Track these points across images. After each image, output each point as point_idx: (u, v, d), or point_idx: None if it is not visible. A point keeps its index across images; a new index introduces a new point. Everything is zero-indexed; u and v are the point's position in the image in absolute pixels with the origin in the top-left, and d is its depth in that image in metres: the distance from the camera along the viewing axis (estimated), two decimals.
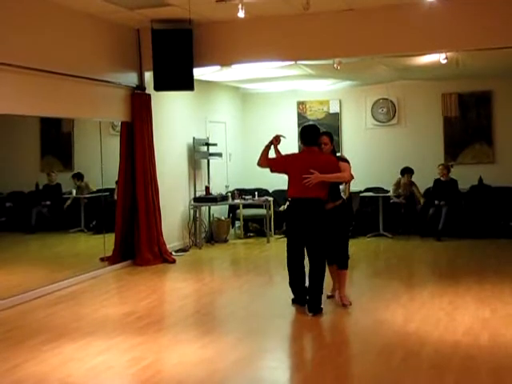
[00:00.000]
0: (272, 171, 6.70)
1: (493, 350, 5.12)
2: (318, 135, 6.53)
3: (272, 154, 6.81)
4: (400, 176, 11.80)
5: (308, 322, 6.06)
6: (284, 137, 6.78)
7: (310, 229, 6.27)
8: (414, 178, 11.99)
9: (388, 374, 4.72)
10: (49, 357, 5.23)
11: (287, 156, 6.62)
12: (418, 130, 12.47)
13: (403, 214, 11.69)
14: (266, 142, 6.71)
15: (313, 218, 6.27)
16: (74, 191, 10.15)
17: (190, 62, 9.08)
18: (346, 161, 6.63)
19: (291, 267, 6.48)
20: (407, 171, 11.84)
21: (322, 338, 5.66)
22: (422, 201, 11.66)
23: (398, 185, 11.90)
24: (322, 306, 6.30)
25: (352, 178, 6.65)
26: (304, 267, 6.47)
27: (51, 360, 5.15)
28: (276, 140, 6.68)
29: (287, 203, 6.64)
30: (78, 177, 10.00)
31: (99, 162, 9.73)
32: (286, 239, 6.58)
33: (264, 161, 6.61)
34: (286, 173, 6.48)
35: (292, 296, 6.62)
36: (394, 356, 5.05)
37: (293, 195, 6.37)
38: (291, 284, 6.55)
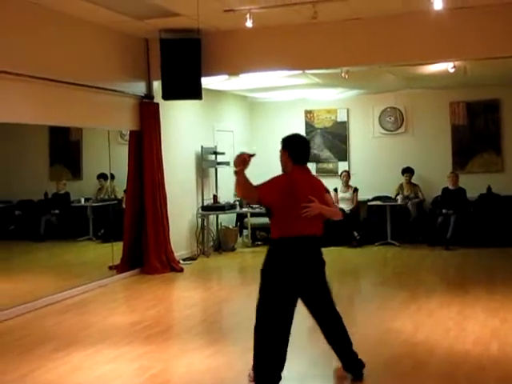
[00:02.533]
0: (264, 203, 4.62)
1: (502, 360, 5.09)
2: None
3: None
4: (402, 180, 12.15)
5: (316, 332, 6.03)
6: (253, 154, 4.51)
7: (318, 276, 4.65)
8: (422, 186, 12.03)
9: (396, 383, 4.71)
10: (57, 365, 5.24)
11: (280, 180, 4.56)
12: (426, 138, 12.46)
13: (411, 221, 11.68)
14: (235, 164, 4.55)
15: (319, 262, 4.64)
16: (83, 200, 10.20)
17: (198, 71, 9.11)
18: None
19: (282, 340, 4.46)
20: (406, 171, 11.99)
21: (329, 347, 5.63)
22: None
23: (400, 187, 11.98)
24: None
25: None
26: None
27: (60, 368, 5.16)
28: (249, 157, 4.46)
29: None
30: (103, 177, 10.06)
31: (108, 171, 9.78)
32: (270, 301, 4.44)
33: (250, 191, 4.46)
34: (284, 204, 4.45)
35: None
36: (402, 366, 5.04)
37: (292, 233, 4.46)
38: (276, 365, 4.45)
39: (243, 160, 4.46)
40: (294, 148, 4.62)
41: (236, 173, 4.47)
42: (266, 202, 4.56)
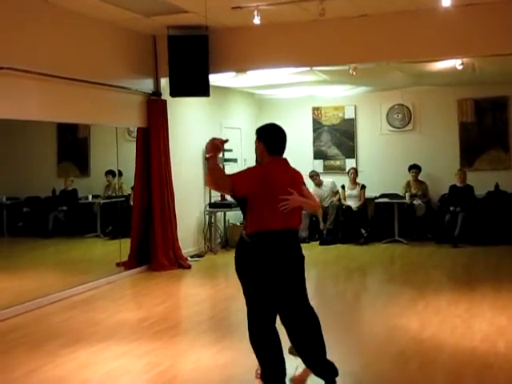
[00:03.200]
0: (238, 193, 4.27)
1: (510, 358, 5.08)
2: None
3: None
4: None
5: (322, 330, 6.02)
6: (226, 140, 4.36)
7: (295, 272, 4.36)
8: (429, 183, 12.01)
9: (403, 381, 4.71)
10: (65, 361, 5.26)
11: (256, 170, 4.37)
12: (434, 135, 12.42)
13: (420, 218, 11.66)
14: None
15: (299, 257, 4.41)
16: (91, 196, 10.22)
17: (205, 68, 9.11)
18: None
19: (269, 341, 4.34)
20: (413, 167, 11.94)
21: (336, 345, 5.63)
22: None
23: (407, 184, 11.94)
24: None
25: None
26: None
27: (68, 365, 5.19)
28: (222, 143, 4.29)
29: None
30: (111, 174, 10.07)
31: (115, 168, 9.80)
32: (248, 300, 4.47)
33: (222, 179, 4.19)
34: (261, 195, 4.22)
35: None
36: (409, 363, 5.03)
37: (270, 227, 4.22)
38: (274, 370, 4.34)
39: (216, 146, 4.22)
40: (270, 138, 4.36)
41: (207, 159, 4.20)
42: (240, 192, 4.25)
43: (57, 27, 7.75)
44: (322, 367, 4.45)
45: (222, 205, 11.15)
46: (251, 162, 13.45)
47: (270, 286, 4.27)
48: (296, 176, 4.48)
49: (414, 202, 11.65)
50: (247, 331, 4.42)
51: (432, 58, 9.24)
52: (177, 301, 7.97)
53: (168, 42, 9.13)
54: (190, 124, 10.81)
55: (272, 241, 4.23)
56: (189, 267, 9.57)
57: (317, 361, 4.45)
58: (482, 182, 11.65)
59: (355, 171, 12.30)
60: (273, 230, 4.23)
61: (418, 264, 9.77)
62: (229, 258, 10.44)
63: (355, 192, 12.10)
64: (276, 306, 4.36)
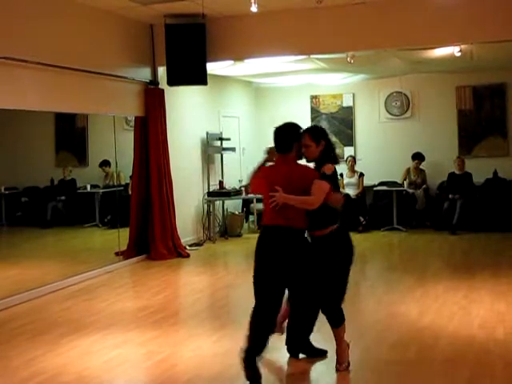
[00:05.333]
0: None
1: (508, 344, 5.10)
2: (297, 137, 4.60)
3: None
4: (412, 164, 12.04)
5: (322, 317, 6.03)
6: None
7: (286, 271, 4.49)
8: (428, 171, 11.99)
9: (402, 367, 4.72)
10: (65, 350, 5.28)
11: (262, 169, 4.81)
12: (432, 123, 12.41)
13: (418, 209, 11.66)
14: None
15: (288, 255, 4.48)
16: (89, 186, 10.22)
17: (203, 56, 9.08)
18: (332, 177, 4.57)
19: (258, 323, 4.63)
20: (417, 156, 11.89)
21: None
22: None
23: (407, 171, 11.91)
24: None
25: (317, 203, 4.47)
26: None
27: (68, 353, 5.21)
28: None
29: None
30: (106, 164, 10.07)
31: (113, 157, 9.78)
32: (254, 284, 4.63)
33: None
34: (262, 193, 4.75)
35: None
36: (408, 349, 5.05)
37: (265, 222, 4.67)
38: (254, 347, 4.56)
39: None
40: (274, 139, 4.70)
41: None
42: (251, 192, 5.31)
43: (54, 17, 7.71)
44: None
45: (221, 193, 11.16)
46: (250, 150, 13.59)
47: (262, 274, 4.55)
48: (297, 173, 4.56)
49: (416, 192, 11.64)
50: (247, 318, 4.48)
51: (430, 45, 9.23)
52: (176, 290, 7.99)
53: (165, 31, 9.11)
54: (188, 113, 10.80)
55: (262, 234, 4.64)
56: (188, 256, 9.58)
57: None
58: (480, 169, 11.65)
59: (353, 159, 12.30)
60: (264, 224, 4.70)
61: (417, 251, 9.79)
62: (227, 247, 10.55)
63: (353, 180, 12.09)
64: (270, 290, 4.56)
